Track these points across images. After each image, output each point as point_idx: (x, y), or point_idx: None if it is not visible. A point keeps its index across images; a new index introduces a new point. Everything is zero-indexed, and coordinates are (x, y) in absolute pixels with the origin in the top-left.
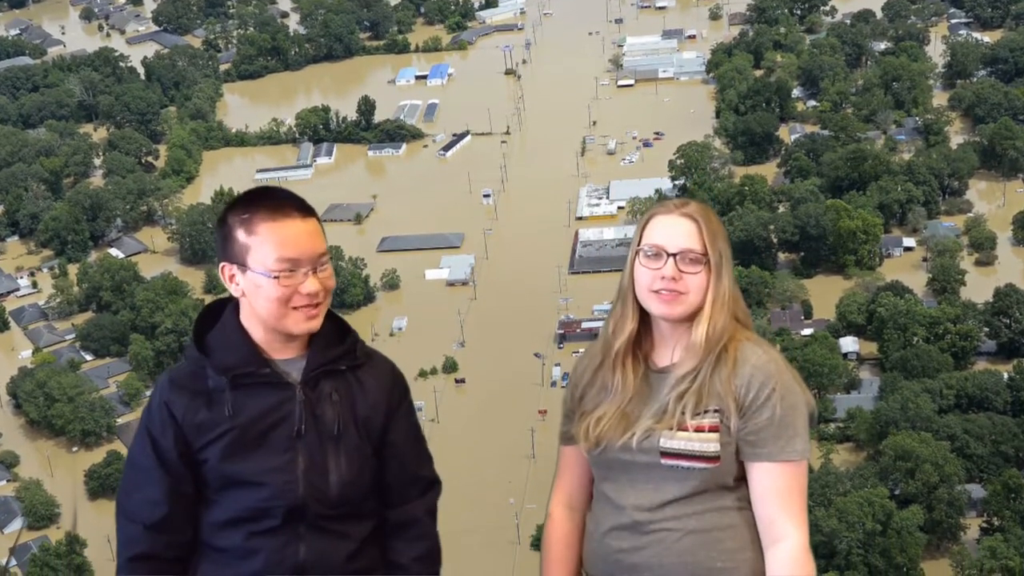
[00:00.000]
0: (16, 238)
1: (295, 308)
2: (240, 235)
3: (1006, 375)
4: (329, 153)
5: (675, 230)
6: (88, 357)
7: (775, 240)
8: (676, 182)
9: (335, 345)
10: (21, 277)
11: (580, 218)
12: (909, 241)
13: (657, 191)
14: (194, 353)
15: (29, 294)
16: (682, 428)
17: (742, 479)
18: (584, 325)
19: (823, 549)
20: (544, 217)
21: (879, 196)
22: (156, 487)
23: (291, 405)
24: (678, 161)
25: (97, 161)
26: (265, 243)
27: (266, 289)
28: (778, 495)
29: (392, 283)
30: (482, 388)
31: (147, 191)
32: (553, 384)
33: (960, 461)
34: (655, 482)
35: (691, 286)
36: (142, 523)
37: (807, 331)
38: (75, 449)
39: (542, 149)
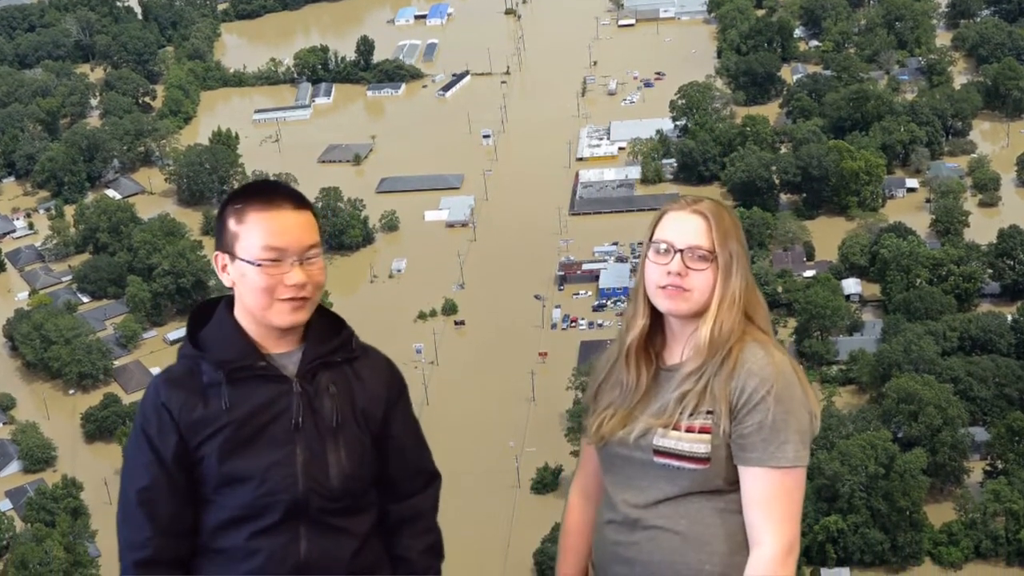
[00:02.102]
0: (12, 179)
1: (280, 300)
2: (231, 224)
3: (1010, 317)
4: (328, 93)
5: (685, 226)
6: (85, 299)
7: (777, 181)
8: (677, 123)
9: (330, 338)
10: (17, 218)
11: (580, 159)
12: (912, 182)
13: (658, 132)
14: (188, 350)
15: (25, 235)
16: (677, 427)
17: (737, 483)
18: (584, 267)
19: (826, 492)
20: (544, 158)
21: (882, 137)
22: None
23: (288, 398)
24: (679, 101)
25: (94, 101)
26: (252, 231)
27: (251, 278)
28: (763, 501)
29: (391, 224)
30: (482, 330)
31: (144, 132)
32: (553, 326)
33: (963, 404)
34: (648, 480)
35: (697, 283)
36: (147, 526)
37: (809, 273)
38: (72, 392)
39: (542, 89)
